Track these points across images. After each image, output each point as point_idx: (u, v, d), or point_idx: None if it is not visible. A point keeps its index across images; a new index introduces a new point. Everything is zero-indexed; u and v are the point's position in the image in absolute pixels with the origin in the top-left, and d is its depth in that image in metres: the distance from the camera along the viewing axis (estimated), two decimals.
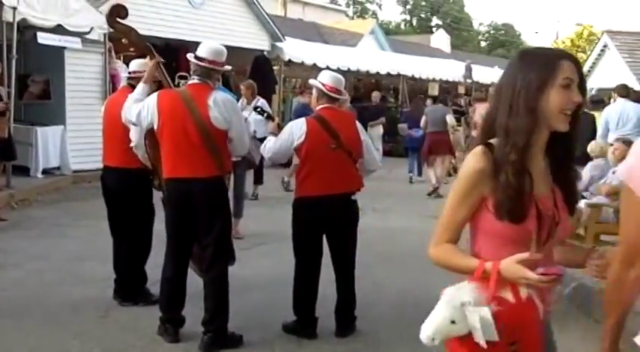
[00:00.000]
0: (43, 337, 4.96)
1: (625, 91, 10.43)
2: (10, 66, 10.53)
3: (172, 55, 14.87)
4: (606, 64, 24.85)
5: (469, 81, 25.11)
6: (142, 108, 4.99)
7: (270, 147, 5.28)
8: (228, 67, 5.17)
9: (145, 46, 5.57)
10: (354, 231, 5.29)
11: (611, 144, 8.49)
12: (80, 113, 12.36)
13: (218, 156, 4.81)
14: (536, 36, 64.65)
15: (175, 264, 4.96)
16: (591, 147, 8.62)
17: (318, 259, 5.17)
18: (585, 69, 26.42)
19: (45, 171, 11.81)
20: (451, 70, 25.66)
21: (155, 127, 4.90)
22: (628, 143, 7.97)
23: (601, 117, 9.97)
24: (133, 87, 5.87)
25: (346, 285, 5.25)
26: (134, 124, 5.10)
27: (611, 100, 11.42)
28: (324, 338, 5.09)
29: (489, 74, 28.88)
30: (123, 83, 6.41)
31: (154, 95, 5.02)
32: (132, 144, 5.28)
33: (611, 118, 9.85)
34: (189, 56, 5.05)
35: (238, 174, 7.54)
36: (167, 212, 4.99)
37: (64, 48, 12.09)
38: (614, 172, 7.79)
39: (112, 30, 6.89)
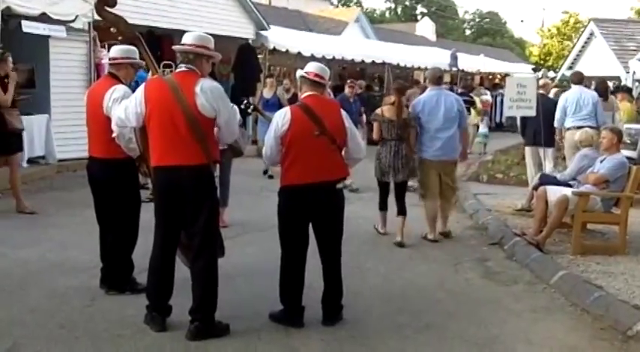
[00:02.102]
0: (29, 326, 4.96)
1: (579, 78, 10.63)
2: None
3: (156, 44, 14.84)
4: (593, 52, 24.98)
5: (455, 69, 25.14)
6: (129, 102, 4.98)
7: (263, 152, 5.32)
8: (218, 54, 5.15)
9: (133, 35, 5.55)
10: (340, 219, 5.31)
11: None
12: (65, 102, 12.28)
13: (205, 144, 4.81)
14: (521, 24, 64.73)
15: (163, 253, 4.96)
16: (580, 136, 8.67)
17: (303, 248, 5.19)
18: (571, 57, 26.59)
19: (30, 161, 11.74)
20: (436, 58, 25.65)
21: (142, 117, 4.90)
22: (617, 132, 8.04)
23: (559, 103, 10.15)
24: (113, 75, 5.83)
25: (333, 274, 5.27)
26: (127, 117, 5.07)
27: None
28: (311, 327, 5.12)
29: (475, 62, 29.00)
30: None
31: (142, 85, 5.01)
32: (114, 135, 5.25)
33: (569, 103, 10.03)
34: (175, 48, 5.04)
35: (224, 163, 7.53)
36: (155, 200, 5.00)
37: (49, 36, 11.99)
38: (602, 161, 7.86)
39: (96, 18, 6.85)
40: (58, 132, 12.22)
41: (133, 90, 5.23)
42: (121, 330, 4.92)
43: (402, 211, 8.09)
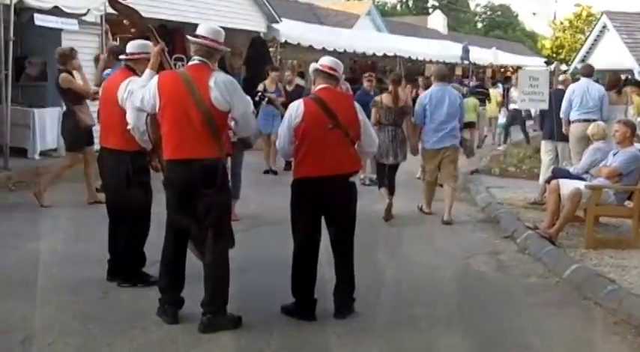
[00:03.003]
0: (44, 318, 4.98)
1: (589, 71, 10.54)
2: (7, 48, 10.48)
3: (168, 37, 14.84)
4: (605, 45, 24.81)
5: (466, 62, 25.07)
6: (144, 93, 4.99)
7: (277, 144, 5.32)
8: (227, 49, 5.16)
9: (146, 28, 5.55)
10: (352, 212, 5.30)
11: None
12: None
13: (219, 137, 4.81)
14: (533, 17, 64.41)
15: (175, 246, 4.98)
16: (592, 129, 8.61)
17: (316, 241, 5.18)
18: (584, 50, 26.42)
19: (42, 153, 11.79)
20: (448, 52, 25.59)
21: (156, 109, 4.90)
22: (630, 125, 7.99)
23: (565, 94, 10.08)
24: (130, 68, 5.86)
25: (345, 267, 5.27)
26: (141, 110, 5.09)
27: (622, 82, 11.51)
28: (323, 320, 5.11)
29: (487, 55, 28.88)
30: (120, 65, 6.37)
31: (155, 78, 5.02)
32: (129, 127, 5.27)
33: (575, 96, 9.96)
34: (189, 37, 5.04)
35: (236, 155, 7.54)
36: (167, 193, 5.00)
37: (61, 30, 12.00)
38: (614, 154, 7.81)
39: (109, 11, 6.86)
40: None
41: None
42: (133, 322, 4.93)
43: (391, 191, 8.96)
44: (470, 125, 14.31)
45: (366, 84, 11.99)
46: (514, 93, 16.46)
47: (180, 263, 4.99)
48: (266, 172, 12.16)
